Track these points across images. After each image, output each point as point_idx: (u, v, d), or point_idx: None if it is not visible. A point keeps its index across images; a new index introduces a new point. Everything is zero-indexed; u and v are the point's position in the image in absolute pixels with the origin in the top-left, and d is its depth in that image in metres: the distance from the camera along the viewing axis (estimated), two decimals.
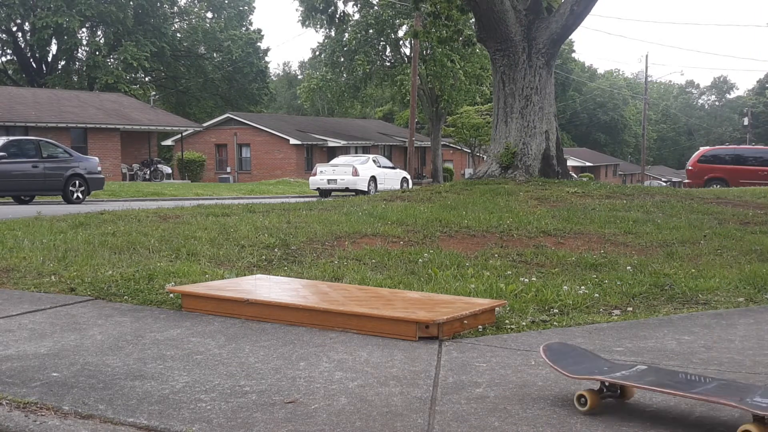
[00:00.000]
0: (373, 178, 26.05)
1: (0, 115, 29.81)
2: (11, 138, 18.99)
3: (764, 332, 3.40)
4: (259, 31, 56.69)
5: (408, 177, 29.57)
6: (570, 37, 22.07)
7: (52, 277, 4.63)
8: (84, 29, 48.96)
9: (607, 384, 2.31)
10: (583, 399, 2.32)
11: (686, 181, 23.49)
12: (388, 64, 45.90)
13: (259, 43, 55.88)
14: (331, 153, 41.12)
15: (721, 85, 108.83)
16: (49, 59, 49.67)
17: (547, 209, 8.02)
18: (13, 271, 4.82)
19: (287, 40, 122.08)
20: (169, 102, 55.45)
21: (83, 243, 5.89)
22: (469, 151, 48.40)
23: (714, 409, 2.34)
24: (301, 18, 43.47)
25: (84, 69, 49.10)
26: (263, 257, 5.38)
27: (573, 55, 75.23)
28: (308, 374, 2.72)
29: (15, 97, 34.28)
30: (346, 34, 43.41)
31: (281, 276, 4.62)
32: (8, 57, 50.23)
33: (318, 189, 25.39)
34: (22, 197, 17.62)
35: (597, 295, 4.17)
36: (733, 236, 6.35)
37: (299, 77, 79.79)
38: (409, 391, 2.53)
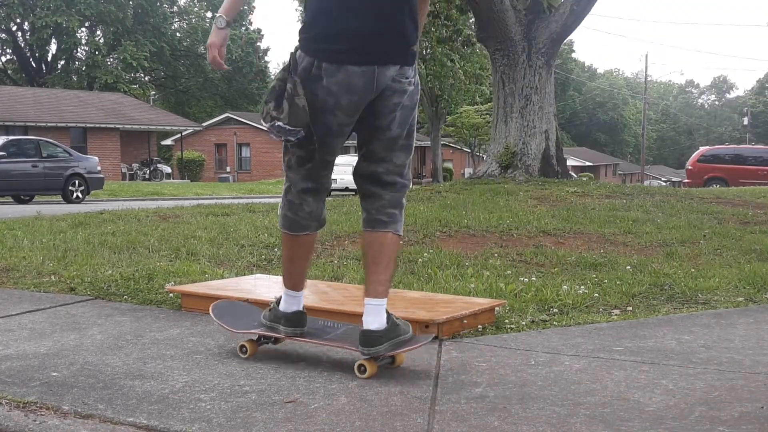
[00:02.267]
0: None
1: None
2: (11, 138, 19.01)
3: (764, 332, 3.40)
4: (258, 30, 56.73)
5: None
6: (570, 37, 22.08)
7: (52, 276, 4.63)
8: (83, 29, 48.95)
9: (263, 336, 2.95)
10: (244, 348, 2.92)
11: (686, 180, 23.53)
12: None
13: (258, 43, 55.89)
14: None
15: (721, 85, 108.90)
16: (49, 59, 49.66)
17: (547, 209, 8.02)
18: (12, 271, 4.82)
19: (287, 40, 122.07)
20: (168, 101, 55.49)
21: (83, 243, 5.89)
22: (469, 150, 48.43)
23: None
24: (300, 18, 43.44)
25: (83, 69, 49.08)
26: (263, 257, 5.38)
27: (573, 54, 75.21)
28: (308, 373, 2.72)
29: (15, 97, 34.29)
30: None
31: (281, 276, 4.62)
32: (8, 57, 50.20)
33: None
34: (22, 197, 17.62)
35: (597, 294, 4.17)
36: (732, 236, 6.35)
37: None
38: (409, 391, 2.53)
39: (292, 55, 2.66)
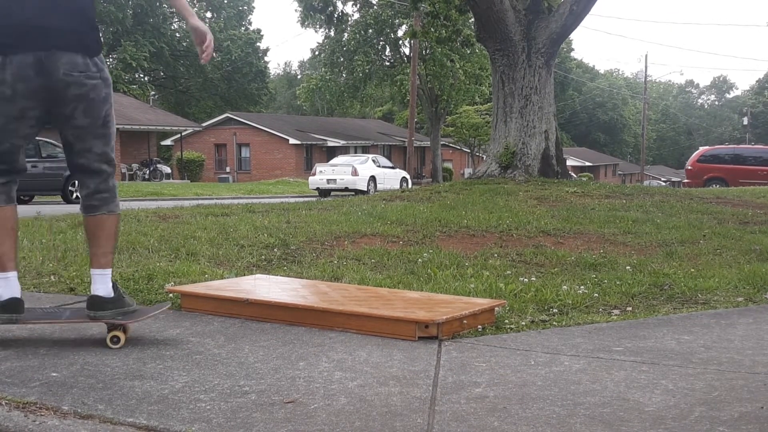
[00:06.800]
0: (373, 178, 26.04)
1: None
2: None
3: (763, 332, 3.40)
4: (258, 31, 56.68)
5: (407, 177, 29.56)
6: (570, 37, 22.02)
7: (52, 277, 4.63)
8: None
9: None
10: None
11: (686, 180, 23.53)
12: (388, 64, 45.88)
13: (258, 43, 55.86)
14: (331, 153, 41.11)
15: (721, 85, 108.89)
16: None
17: (547, 209, 8.02)
18: None
19: (287, 40, 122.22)
20: (168, 102, 55.45)
21: (83, 243, 5.88)
22: (469, 150, 48.42)
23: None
24: (300, 18, 43.43)
25: None
26: (263, 257, 5.38)
27: (573, 54, 75.22)
28: (308, 374, 2.72)
29: None
30: (346, 34, 43.35)
31: (281, 276, 4.62)
32: None
33: (317, 189, 25.38)
34: (22, 197, 17.60)
35: (596, 294, 4.17)
36: (732, 236, 6.35)
37: (299, 77, 79.74)
38: (409, 391, 2.52)
39: None
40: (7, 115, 2.99)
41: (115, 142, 3.20)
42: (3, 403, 2.35)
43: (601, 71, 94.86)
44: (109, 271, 3.10)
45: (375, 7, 42.65)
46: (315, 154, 42.51)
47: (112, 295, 3.07)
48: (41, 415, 2.26)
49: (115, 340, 3.05)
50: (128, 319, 3.08)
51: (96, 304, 3.05)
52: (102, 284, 3.07)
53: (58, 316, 3.26)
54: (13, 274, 3.07)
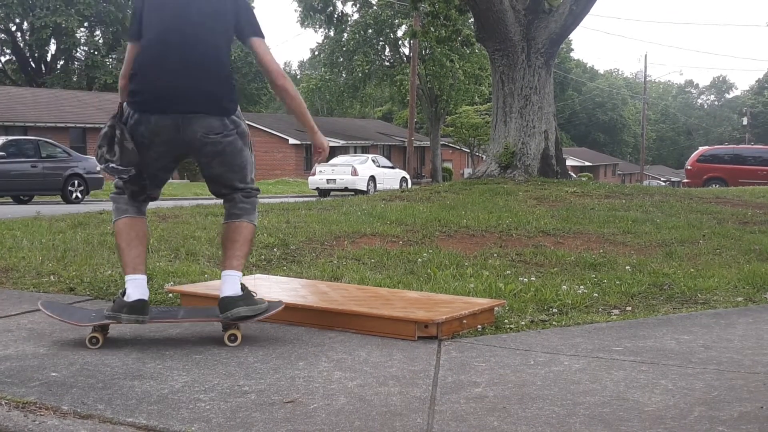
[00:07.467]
0: (372, 178, 26.01)
1: None
2: (10, 138, 18.97)
3: (763, 332, 3.40)
4: None
5: (407, 177, 29.54)
6: (569, 37, 21.98)
7: (51, 276, 4.63)
8: (83, 29, 48.84)
9: (100, 325, 3.12)
10: (95, 339, 3.06)
11: (685, 180, 23.52)
12: (387, 64, 45.86)
13: None
14: (330, 153, 41.00)
15: (720, 85, 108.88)
16: (48, 59, 49.58)
17: (546, 209, 8.03)
18: (12, 271, 4.82)
19: (287, 40, 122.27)
20: None
21: (82, 243, 5.88)
22: (468, 150, 48.39)
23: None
24: (300, 18, 43.42)
25: (83, 69, 49.00)
26: (262, 257, 5.38)
27: (572, 54, 75.21)
28: (307, 374, 2.72)
29: (14, 97, 34.22)
30: (345, 34, 43.33)
31: (280, 276, 4.63)
32: (7, 57, 50.14)
33: (317, 189, 25.37)
34: (21, 197, 17.61)
35: (596, 294, 4.17)
36: (732, 236, 6.35)
37: (299, 77, 79.68)
38: (408, 391, 2.52)
39: (120, 105, 3.21)
40: (145, 158, 3.19)
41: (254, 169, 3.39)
42: (3, 402, 2.35)
43: (601, 71, 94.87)
44: (240, 273, 3.21)
45: (375, 7, 42.65)
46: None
47: (241, 293, 3.16)
48: (41, 414, 2.26)
49: (233, 338, 3.12)
50: (258, 313, 3.17)
51: (227, 304, 3.13)
52: (231, 284, 3.17)
53: (173, 314, 3.40)
54: (142, 277, 3.16)
